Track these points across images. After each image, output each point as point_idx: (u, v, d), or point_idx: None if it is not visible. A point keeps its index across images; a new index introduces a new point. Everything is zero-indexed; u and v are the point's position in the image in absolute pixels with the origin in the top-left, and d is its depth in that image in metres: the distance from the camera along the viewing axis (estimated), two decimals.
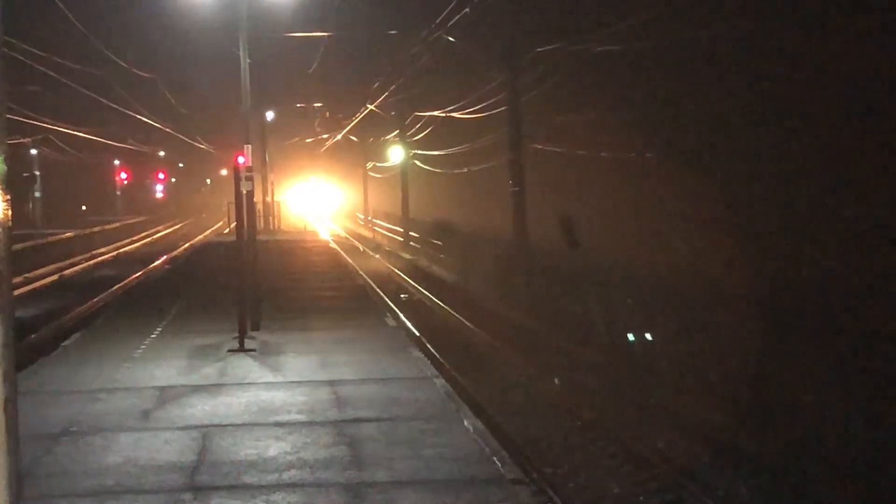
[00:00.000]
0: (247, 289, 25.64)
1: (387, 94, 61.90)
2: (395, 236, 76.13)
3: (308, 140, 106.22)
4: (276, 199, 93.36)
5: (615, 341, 29.06)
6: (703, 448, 20.02)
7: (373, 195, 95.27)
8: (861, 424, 18.88)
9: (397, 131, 72.08)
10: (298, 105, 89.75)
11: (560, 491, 17.31)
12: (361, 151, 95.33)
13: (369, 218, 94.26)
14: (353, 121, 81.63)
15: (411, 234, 70.54)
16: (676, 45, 30.08)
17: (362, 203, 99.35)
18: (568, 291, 34.05)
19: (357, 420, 16.96)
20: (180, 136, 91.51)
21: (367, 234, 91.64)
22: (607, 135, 38.23)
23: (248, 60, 28.70)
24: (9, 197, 4.15)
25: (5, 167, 3.99)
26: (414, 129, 67.25)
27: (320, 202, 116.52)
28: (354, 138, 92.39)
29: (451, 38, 41.83)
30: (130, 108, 60.99)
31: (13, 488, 3.51)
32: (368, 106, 69.76)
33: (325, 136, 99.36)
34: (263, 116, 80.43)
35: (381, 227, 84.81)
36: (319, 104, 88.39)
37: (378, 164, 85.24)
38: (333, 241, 78.61)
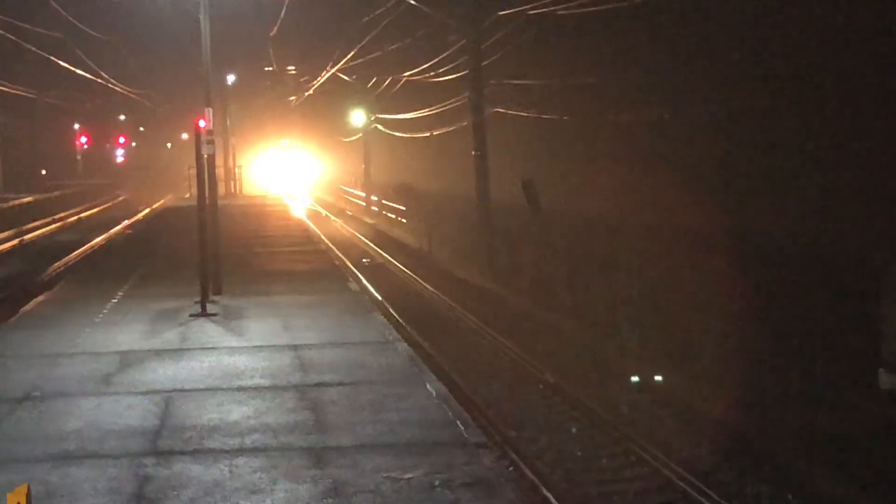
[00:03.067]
0: (208, 253, 25.50)
1: (347, 57, 61.62)
2: (360, 201, 76.09)
3: (291, 98, 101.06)
4: (238, 164, 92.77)
5: (577, 303, 29.13)
6: (663, 410, 20.12)
7: (344, 162, 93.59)
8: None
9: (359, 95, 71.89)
10: (267, 69, 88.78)
11: (523, 454, 17.35)
12: (326, 115, 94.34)
13: (341, 186, 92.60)
14: (314, 84, 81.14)
15: (373, 198, 70.46)
16: (637, 7, 30.03)
17: (340, 173, 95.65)
18: (529, 253, 34.09)
19: (320, 384, 16.92)
20: (133, 95, 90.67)
21: (331, 199, 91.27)
22: (570, 98, 38.22)
23: (209, 23, 28.47)
24: None
25: None
26: (377, 92, 67.07)
27: (292, 172, 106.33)
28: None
29: (412, 1, 41.63)
30: (89, 70, 60.47)
31: None
32: (330, 70, 69.42)
33: (292, 98, 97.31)
34: (224, 79, 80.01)
35: (350, 193, 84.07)
36: (292, 67, 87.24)
37: (350, 129, 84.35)
38: (296, 205, 78.43)
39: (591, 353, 24.85)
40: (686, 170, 30.36)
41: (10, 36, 43.49)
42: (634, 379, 22.09)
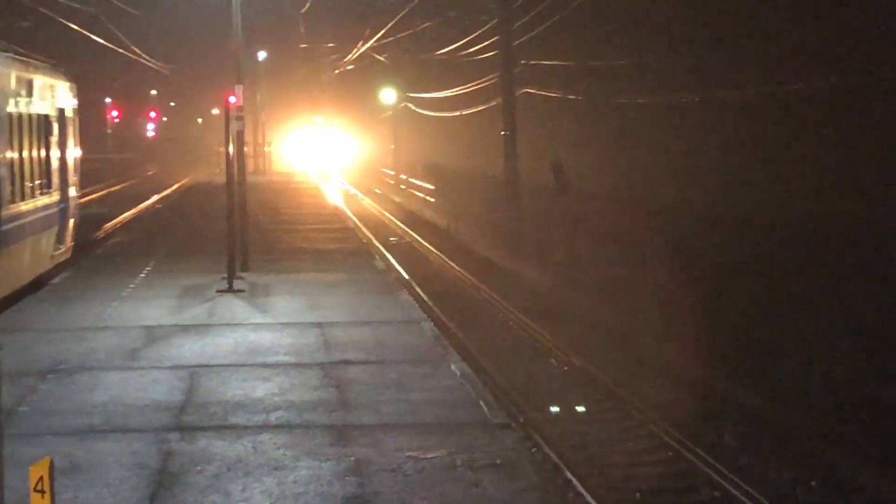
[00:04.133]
0: (235, 229, 25.54)
1: (378, 35, 61.52)
2: (390, 181, 76.01)
3: (336, 71, 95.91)
4: (268, 141, 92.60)
5: (603, 283, 29.09)
6: (688, 395, 20.08)
7: (380, 140, 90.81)
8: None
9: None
10: (303, 46, 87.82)
11: (546, 436, 17.35)
12: (358, 93, 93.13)
13: (382, 169, 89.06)
14: (346, 61, 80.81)
15: (407, 178, 70.35)
16: None
17: (377, 153, 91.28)
18: (557, 233, 34.06)
19: (344, 362, 16.94)
20: (164, 70, 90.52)
21: (363, 178, 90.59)
22: (599, 79, 38.10)
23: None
24: None
25: None
26: (408, 71, 66.97)
27: (325, 150, 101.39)
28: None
29: None
30: (120, 45, 60.49)
31: None
32: (360, 48, 69.32)
33: (336, 70, 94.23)
34: (255, 55, 79.95)
35: (385, 174, 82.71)
36: (328, 45, 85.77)
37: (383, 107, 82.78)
38: (326, 183, 78.45)
39: (618, 335, 24.80)
40: (719, 153, 30.25)
41: (43, 10, 43.49)
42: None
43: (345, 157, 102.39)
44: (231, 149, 25.41)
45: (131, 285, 24.98)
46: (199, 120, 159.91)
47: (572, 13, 35.88)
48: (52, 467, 8.71)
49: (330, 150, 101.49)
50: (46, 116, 27.33)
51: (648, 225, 27.63)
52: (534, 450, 16.24)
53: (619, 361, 22.69)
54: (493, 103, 42.86)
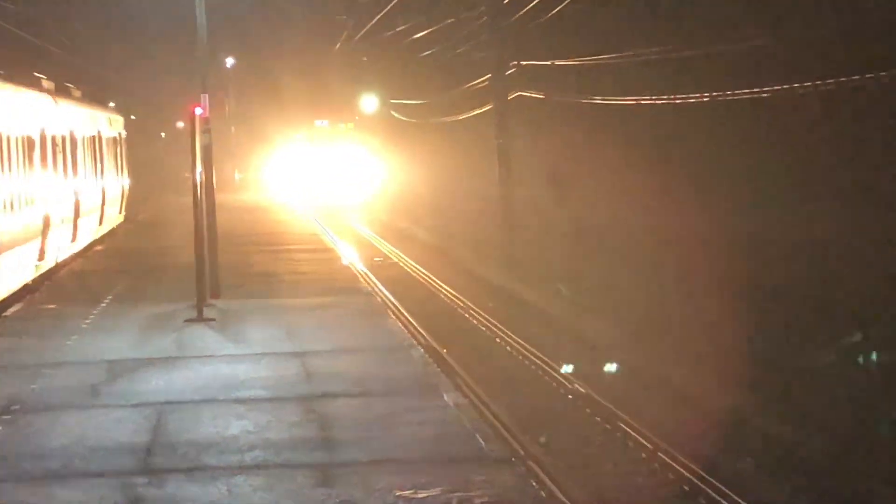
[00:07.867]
0: (203, 253, 25.44)
1: (360, 34, 61.55)
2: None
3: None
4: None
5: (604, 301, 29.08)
6: (693, 416, 20.04)
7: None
8: None
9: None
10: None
11: (550, 471, 17.25)
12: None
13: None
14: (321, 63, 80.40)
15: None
16: None
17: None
18: (553, 248, 34.07)
19: (327, 395, 16.90)
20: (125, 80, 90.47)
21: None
22: (594, 81, 38.20)
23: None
24: None
25: None
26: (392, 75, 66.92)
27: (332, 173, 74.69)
28: None
29: None
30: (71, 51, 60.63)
31: None
32: (337, 47, 69.29)
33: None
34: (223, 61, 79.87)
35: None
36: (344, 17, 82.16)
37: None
38: (300, 197, 78.05)
39: (625, 361, 24.67)
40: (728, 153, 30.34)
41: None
42: None
43: (364, 181, 75.24)
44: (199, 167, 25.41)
45: (91, 316, 24.89)
46: (163, 134, 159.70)
47: (566, 9, 35.96)
48: None
49: (338, 171, 75.60)
50: (116, 136, 49.26)
51: (646, 238, 27.67)
52: (535, 486, 16.16)
53: (628, 389, 22.54)
54: (473, 112, 42.94)
